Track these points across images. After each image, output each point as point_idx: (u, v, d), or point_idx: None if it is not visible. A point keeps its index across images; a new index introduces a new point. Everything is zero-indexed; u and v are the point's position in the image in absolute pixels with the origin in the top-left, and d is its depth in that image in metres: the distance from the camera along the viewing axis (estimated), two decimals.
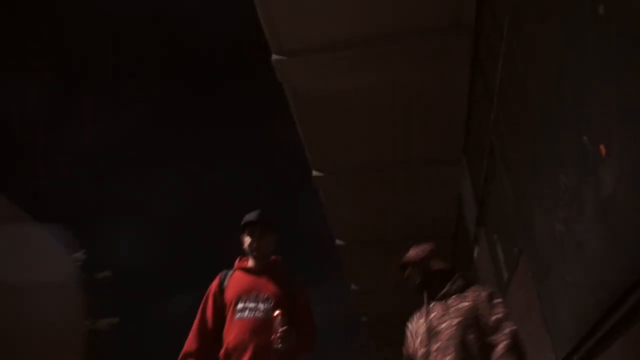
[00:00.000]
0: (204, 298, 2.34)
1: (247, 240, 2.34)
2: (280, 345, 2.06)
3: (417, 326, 2.21)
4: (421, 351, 2.10)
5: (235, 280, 2.32)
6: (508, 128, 3.28)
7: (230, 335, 2.17)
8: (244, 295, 2.24)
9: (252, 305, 2.21)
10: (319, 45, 4.23)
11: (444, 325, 2.07)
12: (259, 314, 2.18)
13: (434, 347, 2.05)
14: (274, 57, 4.32)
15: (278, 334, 2.05)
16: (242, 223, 2.38)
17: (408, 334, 2.26)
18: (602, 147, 1.77)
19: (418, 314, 2.26)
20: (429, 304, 2.19)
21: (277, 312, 2.11)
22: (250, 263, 2.36)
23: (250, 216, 2.37)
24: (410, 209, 6.45)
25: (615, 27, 1.57)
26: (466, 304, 2.08)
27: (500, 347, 1.93)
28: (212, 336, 2.24)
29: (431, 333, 2.09)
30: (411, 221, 6.73)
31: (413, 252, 2.34)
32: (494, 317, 2.01)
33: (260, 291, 2.24)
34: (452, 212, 6.52)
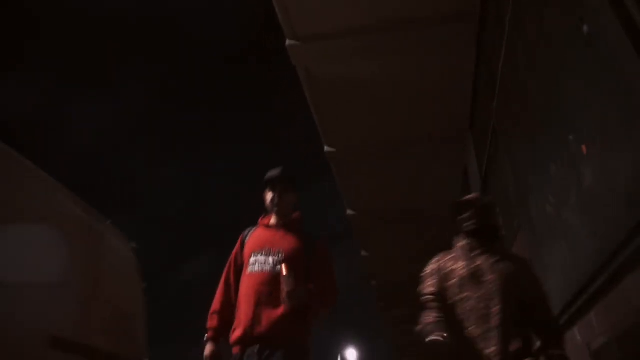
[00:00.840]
0: (229, 258, 2.37)
1: (268, 196, 2.32)
2: (288, 303, 2.04)
3: (452, 268, 2.17)
4: (462, 295, 2.09)
5: (255, 236, 2.33)
6: (508, 114, 3.53)
7: (242, 290, 2.19)
8: (257, 249, 2.24)
9: (262, 259, 2.19)
10: (331, 31, 4.42)
11: (490, 277, 2.06)
12: (267, 267, 2.15)
13: (477, 294, 2.05)
14: (288, 42, 4.53)
15: (284, 293, 2.03)
16: (265, 180, 2.36)
17: (435, 272, 2.22)
18: (584, 147, 2.05)
19: (451, 256, 2.23)
20: (472, 251, 2.17)
21: (284, 270, 2.07)
22: (272, 220, 2.35)
23: (273, 173, 2.35)
24: (419, 182, 6.75)
25: (598, 48, 1.82)
26: (513, 265, 2.11)
27: (553, 341, 2.00)
28: (235, 294, 2.25)
29: (474, 280, 2.08)
30: (419, 194, 7.05)
31: (481, 198, 2.36)
32: (536, 292, 2.10)
33: (274, 245, 2.21)
34: (458, 186, 6.81)
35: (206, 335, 2.21)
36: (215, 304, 2.28)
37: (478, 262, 2.13)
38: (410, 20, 4.31)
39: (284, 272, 2.06)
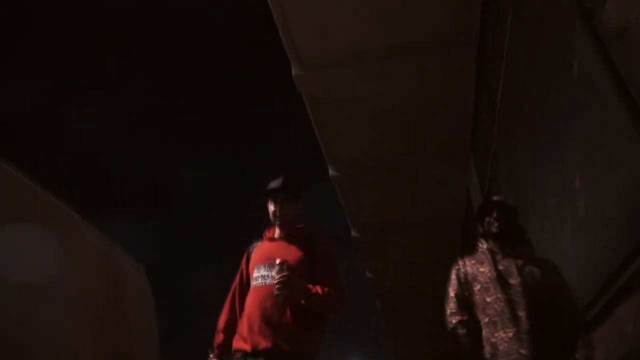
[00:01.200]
0: (237, 273, 2.33)
1: (270, 208, 2.26)
2: (279, 292, 1.97)
3: (477, 271, 2.14)
4: (489, 298, 2.06)
5: (259, 250, 2.28)
6: (507, 140, 3.67)
7: (247, 303, 2.14)
8: (260, 263, 2.18)
9: (265, 273, 2.14)
10: (334, 60, 4.60)
11: (516, 281, 2.03)
12: (270, 281, 2.07)
13: (504, 297, 2.02)
14: (294, 72, 4.71)
15: (276, 280, 1.98)
16: (265, 191, 2.30)
17: (461, 275, 2.19)
18: (577, 179, 2.18)
19: (475, 260, 2.19)
20: (497, 254, 2.13)
21: (278, 261, 2.03)
22: (275, 232, 2.30)
23: (273, 184, 2.28)
24: (422, 202, 6.87)
25: (585, 89, 1.97)
26: (540, 269, 2.06)
27: (582, 344, 1.94)
28: (240, 310, 2.22)
29: (501, 283, 2.05)
30: (423, 212, 7.16)
31: (506, 200, 2.29)
32: (564, 295, 2.03)
33: (276, 258, 2.12)
34: (461, 205, 6.92)
35: (211, 352, 2.19)
36: (221, 321, 2.25)
37: (503, 265, 2.09)
38: (412, 46, 4.48)
39: (278, 263, 2.02)
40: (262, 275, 2.14)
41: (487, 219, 2.21)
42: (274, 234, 2.30)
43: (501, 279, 2.06)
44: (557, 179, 2.44)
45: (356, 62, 4.61)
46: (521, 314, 1.97)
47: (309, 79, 4.74)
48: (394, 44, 4.43)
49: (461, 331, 2.09)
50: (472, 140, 5.63)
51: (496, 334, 2.01)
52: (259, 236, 2.37)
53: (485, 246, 2.20)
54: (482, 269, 2.13)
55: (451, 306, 2.16)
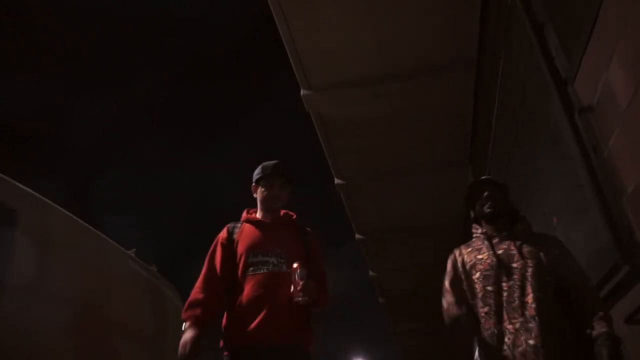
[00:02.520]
0: (211, 248, 2.17)
1: (264, 191, 2.18)
2: (301, 298, 1.93)
3: (475, 260, 1.99)
4: (491, 287, 1.90)
5: (247, 233, 2.15)
6: (499, 162, 3.97)
7: (244, 292, 2.01)
8: (256, 248, 2.07)
9: (265, 259, 2.05)
10: (341, 81, 4.89)
11: (517, 264, 1.88)
12: (274, 268, 2.02)
13: (507, 284, 1.87)
14: (303, 91, 5.00)
15: (299, 287, 1.93)
16: (260, 173, 2.22)
17: (458, 265, 2.06)
18: (554, 219, 2.49)
19: (471, 247, 2.06)
20: (493, 237, 2.00)
21: (295, 265, 1.97)
22: (261, 215, 2.21)
23: (271, 167, 2.21)
24: (423, 208, 7.18)
25: (559, 145, 2.27)
26: (542, 246, 1.91)
27: (598, 320, 1.76)
28: (221, 286, 2.08)
29: (502, 269, 1.90)
30: (424, 218, 7.48)
31: (494, 179, 2.17)
32: (572, 270, 1.88)
33: (275, 244, 2.07)
34: (461, 208, 7.23)
35: (185, 324, 2.02)
36: (197, 293, 2.06)
37: (502, 249, 1.94)
38: (414, 70, 4.75)
39: (297, 267, 1.96)
40: (262, 262, 2.03)
41: (478, 200, 2.08)
42: (259, 218, 2.20)
43: (502, 264, 1.90)
44: (540, 213, 2.74)
45: (361, 84, 4.89)
46: (528, 299, 1.81)
47: (316, 98, 5.03)
48: (396, 68, 4.71)
49: (463, 321, 1.96)
50: (471, 152, 5.92)
51: (500, 325, 1.84)
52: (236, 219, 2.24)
53: (479, 230, 2.07)
54: (480, 256, 1.97)
55: (448, 298, 2.02)
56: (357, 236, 7.84)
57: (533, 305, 1.80)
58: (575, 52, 2.02)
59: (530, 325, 1.78)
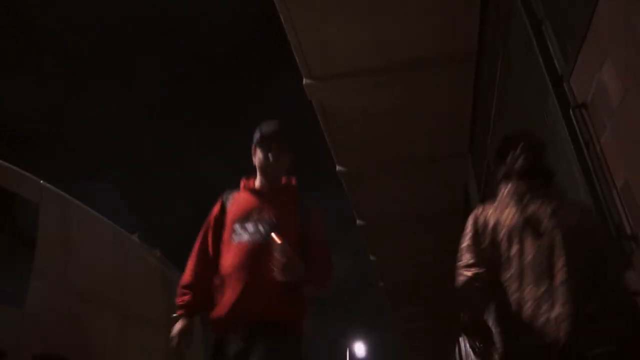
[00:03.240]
0: (204, 224, 2.01)
1: (260, 155, 1.97)
2: (283, 276, 1.71)
3: (499, 218, 1.77)
4: (514, 248, 1.69)
5: (239, 201, 1.99)
6: None
7: (226, 261, 1.85)
8: (243, 215, 1.90)
9: (251, 226, 1.86)
10: (343, 71, 4.95)
11: (550, 225, 1.66)
12: (257, 237, 1.82)
13: (535, 245, 1.65)
14: (305, 81, 5.07)
15: (280, 264, 1.71)
16: (257, 136, 2.00)
17: (479, 223, 1.83)
18: None
19: (496, 205, 1.83)
20: (524, 195, 1.76)
21: (275, 236, 1.75)
22: (259, 183, 2.02)
23: (267, 128, 1.99)
24: (423, 195, 7.30)
25: (556, 140, 2.37)
26: (576, 212, 1.71)
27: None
28: (213, 264, 1.91)
29: (530, 229, 1.69)
30: (424, 204, 7.60)
31: (532, 133, 1.94)
32: (604, 240, 1.74)
33: (263, 211, 1.88)
34: (460, 199, 7.35)
35: (177, 312, 1.91)
36: (188, 276, 1.93)
37: (533, 208, 1.72)
38: (414, 61, 4.82)
39: (278, 240, 1.74)
40: (247, 230, 1.85)
41: (511, 153, 1.84)
42: (256, 185, 2.02)
43: (531, 224, 1.69)
44: None
45: (362, 75, 4.96)
46: (556, 265, 1.60)
47: (318, 88, 5.10)
48: (397, 61, 4.77)
49: (476, 285, 1.73)
50: (471, 143, 6.01)
51: (522, 290, 1.64)
52: (236, 187, 2.07)
53: (508, 187, 1.83)
54: (506, 214, 1.76)
55: (467, 257, 1.79)
56: (358, 222, 7.98)
57: (562, 271, 1.58)
58: (571, 50, 2.10)
59: (557, 293, 1.57)
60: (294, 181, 2.07)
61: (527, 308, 1.61)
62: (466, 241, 1.84)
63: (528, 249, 1.66)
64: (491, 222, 1.79)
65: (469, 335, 1.69)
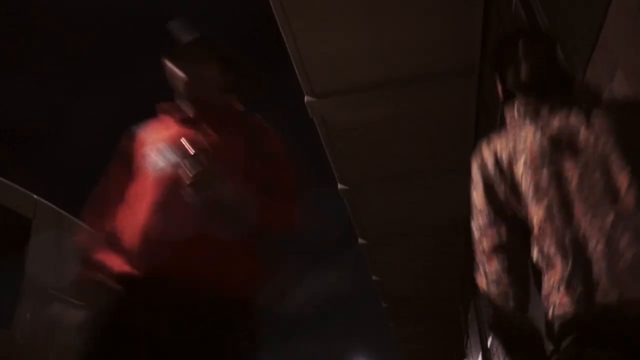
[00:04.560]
0: (111, 164, 1.52)
1: (177, 73, 1.47)
2: (193, 194, 1.24)
3: (513, 149, 1.29)
4: (545, 180, 1.18)
5: (157, 128, 1.50)
6: None
7: (135, 198, 1.36)
8: (160, 143, 1.41)
9: (171, 155, 1.36)
10: (344, 88, 4.94)
11: (590, 135, 1.17)
12: (178, 169, 1.31)
13: (573, 169, 1.16)
14: (307, 98, 5.06)
15: (190, 176, 1.24)
16: (171, 48, 1.49)
17: (487, 166, 1.35)
18: None
19: (506, 135, 1.35)
20: (539, 110, 1.28)
21: (187, 143, 1.32)
22: (182, 109, 1.51)
23: (182, 35, 1.47)
24: (427, 209, 7.23)
25: None
26: (616, 115, 1.21)
27: None
28: (126, 209, 1.38)
29: (562, 148, 1.19)
30: (428, 219, 7.52)
31: (533, 28, 1.48)
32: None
33: (189, 138, 1.36)
34: (463, 213, 7.26)
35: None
36: (106, 227, 1.39)
37: (558, 122, 1.24)
38: (417, 76, 4.81)
39: (187, 145, 1.30)
40: (165, 158, 1.36)
41: (510, 65, 1.35)
42: (177, 110, 1.51)
43: (563, 141, 1.20)
44: None
45: (363, 90, 4.95)
46: (618, 182, 1.09)
47: (319, 105, 5.09)
48: (399, 74, 4.77)
49: (497, 266, 1.23)
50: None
51: (575, 227, 1.11)
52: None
53: (516, 107, 1.34)
54: (523, 140, 1.27)
55: (481, 221, 1.31)
56: (360, 241, 7.87)
57: (631, 190, 1.07)
58: (579, 63, 2.06)
59: (631, 221, 1.05)
60: (235, 103, 1.56)
61: (595, 246, 1.07)
62: (475, 197, 1.35)
63: (568, 173, 1.16)
64: (504, 160, 1.30)
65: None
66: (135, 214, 1.32)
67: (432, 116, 5.33)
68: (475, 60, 4.67)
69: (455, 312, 10.88)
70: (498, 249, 1.27)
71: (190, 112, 1.49)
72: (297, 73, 4.82)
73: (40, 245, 2.27)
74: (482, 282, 1.28)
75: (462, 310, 10.15)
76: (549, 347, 1.17)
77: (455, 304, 10.45)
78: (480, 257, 1.30)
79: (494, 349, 6.14)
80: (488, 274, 1.26)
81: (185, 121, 1.48)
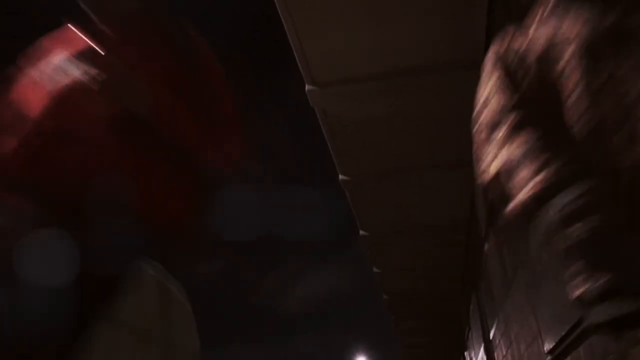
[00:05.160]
0: None
1: None
2: (94, 89, 0.97)
3: (557, 31, 0.94)
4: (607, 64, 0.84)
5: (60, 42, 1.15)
6: None
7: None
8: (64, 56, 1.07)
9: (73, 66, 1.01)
10: (347, 77, 4.87)
11: None
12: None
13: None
14: (307, 87, 4.98)
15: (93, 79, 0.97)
16: None
17: (511, 52, 1.09)
18: None
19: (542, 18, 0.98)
20: None
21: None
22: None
23: None
24: (430, 203, 7.18)
25: None
26: None
27: None
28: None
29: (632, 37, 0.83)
30: (431, 212, 7.47)
31: None
32: None
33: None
34: (465, 208, 7.22)
35: None
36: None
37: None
38: (418, 68, 4.74)
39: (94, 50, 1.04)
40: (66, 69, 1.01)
41: None
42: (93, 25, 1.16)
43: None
44: None
45: (366, 80, 4.87)
46: None
47: (321, 94, 5.01)
48: (402, 65, 4.69)
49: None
50: None
51: None
52: None
53: None
54: (568, 25, 0.91)
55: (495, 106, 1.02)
56: (362, 232, 7.83)
57: None
58: None
59: None
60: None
61: None
62: (493, 97, 1.02)
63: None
64: (538, 44, 0.94)
65: None
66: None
67: (436, 108, 5.26)
68: (479, 53, 4.57)
69: (456, 304, 10.87)
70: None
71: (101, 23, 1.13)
72: (297, 61, 4.74)
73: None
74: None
75: (463, 302, 10.13)
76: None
77: (456, 295, 10.44)
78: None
79: (497, 341, 6.11)
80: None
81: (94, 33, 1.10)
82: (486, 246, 6.26)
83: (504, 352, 5.61)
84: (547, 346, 3.34)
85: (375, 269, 9.41)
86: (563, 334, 2.88)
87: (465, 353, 11.28)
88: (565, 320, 2.79)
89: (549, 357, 3.39)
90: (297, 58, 4.74)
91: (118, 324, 2.44)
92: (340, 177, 6.48)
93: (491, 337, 6.72)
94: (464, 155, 5.96)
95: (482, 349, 7.51)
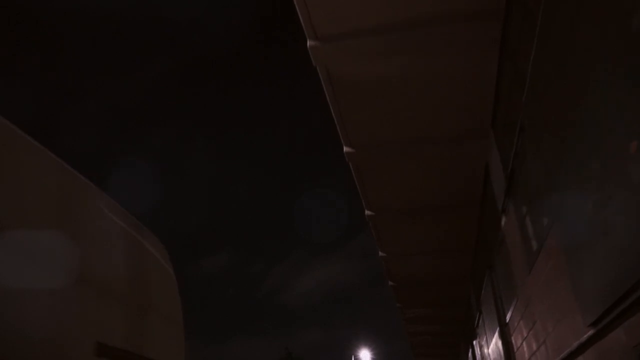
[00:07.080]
0: None
1: None
2: None
3: None
4: None
5: None
6: (539, 110, 3.47)
7: None
8: None
9: None
10: (352, 31, 4.39)
11: None
12: None
13: None
14: (309, 42, 4.51)
15: None
16: None
17: None
18: (634, 144, 1.99)
19: None
20: None
21: None
22: None
23: None
24: (439, 179, 6.69)
25: None
26: None
27: None
28: None
29: None
30: (440, 190, 6.99)
31: None
32: None
33: None
34: (479, 182, 6.73)
35: None
36: None
37: None
38: (432, 18, 4.26)
39: None
40: None
41: None
42: None
43: None
44: (607, 146, 2.24)
45: (373, 34, 4.39)
46: None
47: (324, 50, 4.54)
48: (413, 15, 4.20)
49: None
50: (493, 117, 5.41)
51: None
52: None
53: None
54: None
55: None
56: (367, 212, 7.37)
57: None
58: None
59: None
60: None
61: None
62: None
63: None
64: None
65: None
66: None
67: (448, 68, 4.78)
68: (500, 2, 4.10)
69: (465, 290, 10.42)
70: None
71: None
72: (298, 12, 4.26)
73: None
74: None
75: (473, 287, 9.67)
76: None
77: (465, 280, 9.98)
78: None
79: (515, 323, 5.66)
80: None
81: None
82: (503, 220, 5.79)
83: (525, 334, 5.17)
84: (590, 318, 2.89)
85: (381, 253, 8.95)
86: (612, 302, 2.43)
87: (474, 342, 10.84)
88: (616, 288, 2.34)
89: (591, 331, 2.95)
90: (297, 9, 4.25)
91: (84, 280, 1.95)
92: (345, 149, 6.00)
93: (507, 320, 6.27)
94: (480, 123, 5.48)
95: (496, 334, 7.07)
